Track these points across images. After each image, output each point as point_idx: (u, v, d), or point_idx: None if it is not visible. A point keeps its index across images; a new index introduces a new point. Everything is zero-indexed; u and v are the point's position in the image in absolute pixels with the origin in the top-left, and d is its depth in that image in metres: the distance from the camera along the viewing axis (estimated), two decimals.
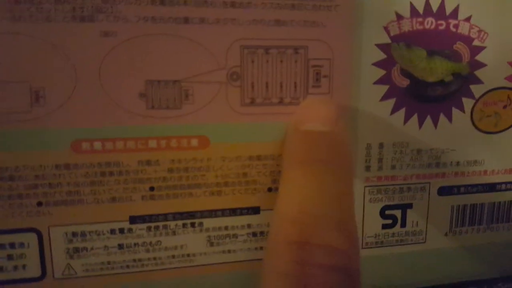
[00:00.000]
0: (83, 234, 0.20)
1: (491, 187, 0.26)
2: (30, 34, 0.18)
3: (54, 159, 0.19)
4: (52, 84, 0.19)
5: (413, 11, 0.22)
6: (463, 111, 0.24)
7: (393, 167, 0.24)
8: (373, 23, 0.22)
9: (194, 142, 0.21)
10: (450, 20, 0.23)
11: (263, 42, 0.21)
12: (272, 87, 0.21)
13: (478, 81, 0.24)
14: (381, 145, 0.23)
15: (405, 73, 0.23)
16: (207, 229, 0.22)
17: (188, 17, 0.19)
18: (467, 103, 0.24)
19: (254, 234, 0.22)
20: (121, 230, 0.21)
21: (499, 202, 0.26)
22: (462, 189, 0.25)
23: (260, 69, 0.21)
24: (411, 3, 0.22)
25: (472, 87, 0.24)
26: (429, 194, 0.25)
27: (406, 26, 0.22)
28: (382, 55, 0.22)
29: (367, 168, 0.24)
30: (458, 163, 0.25)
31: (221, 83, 0.20)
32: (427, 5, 0.22)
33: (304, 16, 0.21)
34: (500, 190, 0.26)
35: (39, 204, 0.19)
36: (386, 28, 0.22)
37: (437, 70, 0.23)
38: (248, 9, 0.20)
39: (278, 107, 0.22)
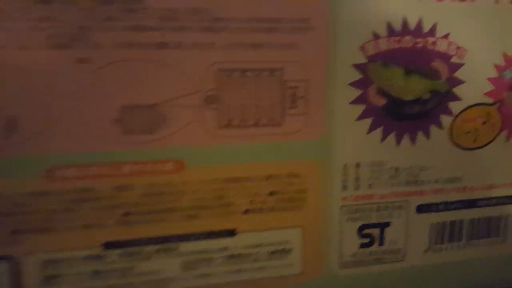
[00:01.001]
0: (57, 261, 0.27)
1: (471, 204, 0.33)
2: (4, 62, 0.24)
3: (29, 187, 0.25)
4: (27, 112, 0.25)
5: (390, 30, 0.29)
6: (441, 128, 0.31)
7: (370, 186, 0.31)
8: (349, 43, 0.28)
9: (169, 166, 0.27)
10: (428, 38, 0.30)
11: (239, 65, 0.27)
12: (248, 109, 0.28)
13: (456, 98, 0.31)
14: (358, 165, 0.30)
15: (382, 92, 0.30)
16: (183, 253, 0.28)
17: (164, 41, 0.26)
18: (446, 120, 0.31)
19: (231, 257, 0.29)
20: (96, 257, 0.27)
21: (479, 218, 0.34)
22: (441, 207, 0.33)
23: (237, 92, 0.27)
24: (388, 22, 0.29)
25: (450, 104, 0.31)
26: (407, 212, 0.32)
27: (383, 45, 0.29)
28: (358, 75, 0.29)
29: (344, 188, 0.31)
30: (437, 181, 0.32)
31: (197, 106, 0.27)
32: (405, 23, 0.29)
33: (280, 39, 0.27)
34: (480, 206, 0.33)
35: (14, 232, 0.26)
36: (362, 48, 0.29)
37: (415, 88, 0.30)
38: (224, 33, 0.26)
39: (255, 129, 0.28)
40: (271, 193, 0.29)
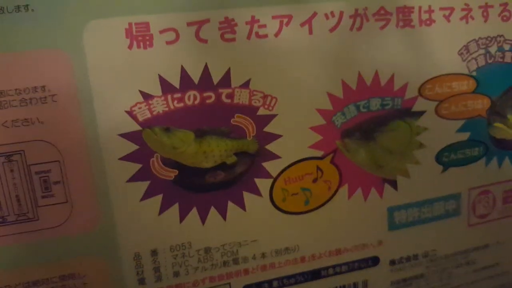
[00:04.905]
0: None
1: (314, 275, 0.27)
2: None
3: None
4: None
5: (165, 86, 0.22)
6: (259, 194, 0.24)
7: (177, 274, 0.24)
8: (109, 109, 0.22)
9: None
10: (221, 90, 0.23)
11: None
12: None
13: (273, 156, 0.24)
14: (154, 252, 0.24)
15: (170, 163, 0.23)
16: None
17: None
18: (263, 184, 0.25)
19: None
20: None
21: None
22: (275, 283, 0.26)
23: None
24: (160, 76, 0.22)
25: (266, 164, 0.24)
26: None
27: (159, 106, 0.22)
28: (132, 146, 0.22)
29: (141, 281, 0.24)
30: (264, 255, 0.25)
31: None
32: (184, 75, 0.22)
33: (13, 115, 0.20)
34: (327, 276, 0.27)
35: None
36: (130, 113, 0.22)
37: (213, 152, 0.23)
38: None
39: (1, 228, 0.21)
40: None
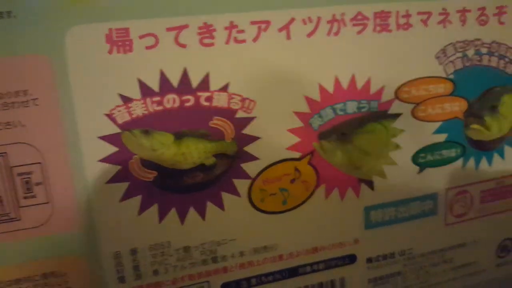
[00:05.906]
0: None
1: (292, 272, 0.28)
2: None
3: None
4: None
5: (145, 89, 0.23)
6: (238, 195, 0.25)
7: (156, 272, 0.25)
8: (89, 112, 0.22)
9: None
10: (200, 93, 0.23)
11: None
12: None
13: (251, 157, 0.25)
14: (133, 251, 0.25)
15: (150, 164, 0.24)
16: None
17: None
18: (242, 184, 0.25)
19: None
20: None
21: (306, 287, 0.28)
22: (253, 281, 0.27)
23: None
24: (139, 80, 0.22)
25: (244, 165, 0.25)
26: None
27: (139, 109, 0.23)
28: (111, 148, 0.23)
29: (121, 280, 0.25)
30: (242, 253, 0.26)
31: None
32: (163, 79, 0.23)
33: None
34: (305, 273, 0.28)
35: None
36: (110, 116, 0.22)
37: (192, 154, 0.24)
38: None
39: None
40: None
